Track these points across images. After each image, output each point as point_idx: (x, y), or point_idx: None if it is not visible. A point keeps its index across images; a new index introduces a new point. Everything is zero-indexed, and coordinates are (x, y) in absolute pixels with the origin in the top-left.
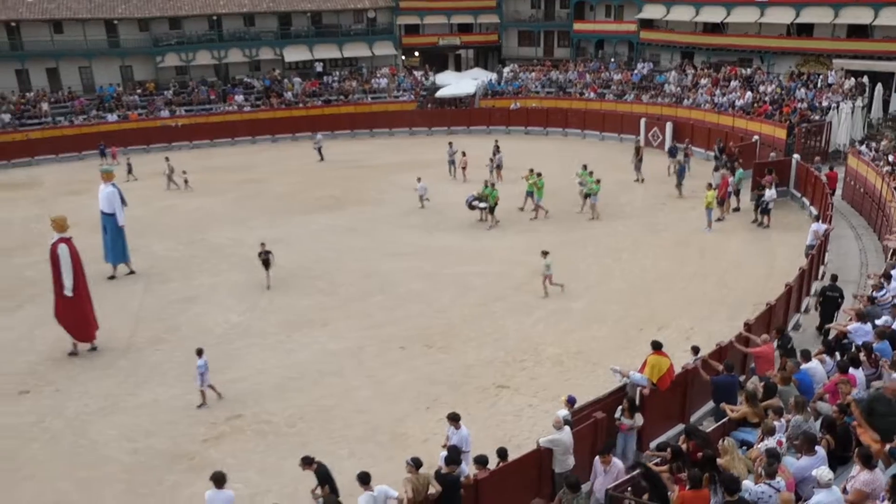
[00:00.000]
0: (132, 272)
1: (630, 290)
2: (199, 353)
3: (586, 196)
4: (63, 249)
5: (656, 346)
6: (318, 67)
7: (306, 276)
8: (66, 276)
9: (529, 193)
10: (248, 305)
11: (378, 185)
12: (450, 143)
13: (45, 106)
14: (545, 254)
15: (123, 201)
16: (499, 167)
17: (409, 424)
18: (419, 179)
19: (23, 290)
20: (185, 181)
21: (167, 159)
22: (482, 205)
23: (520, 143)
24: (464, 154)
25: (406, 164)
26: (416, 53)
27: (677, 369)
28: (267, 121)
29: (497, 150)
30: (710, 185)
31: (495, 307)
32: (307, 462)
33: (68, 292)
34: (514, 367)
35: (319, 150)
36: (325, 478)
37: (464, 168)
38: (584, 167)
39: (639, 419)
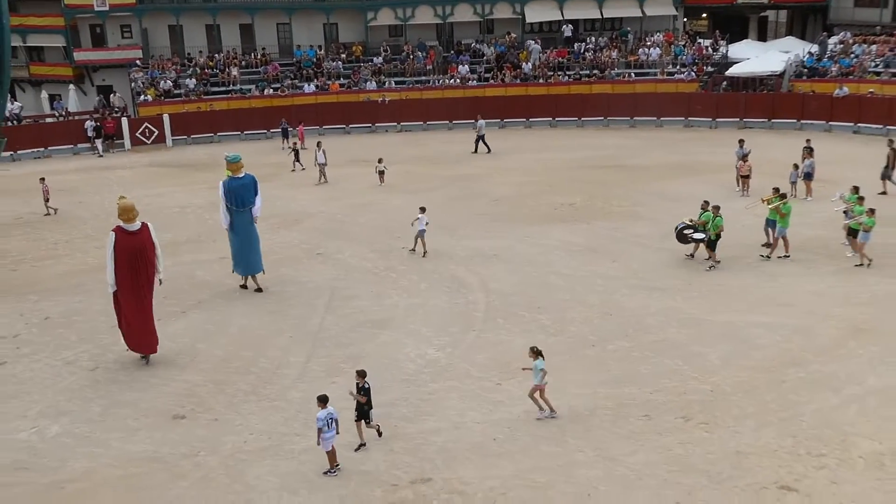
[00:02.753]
0: (244, 286)
1: None
2: (323, 401)
3: (852, 232)
4: (110, 238)
5: None
6: (568, 31)
7: (526, 307)
8: (108, 268)
9: (770, 223)
10: (449, 338)
11: (635, 193)
12: (740, 142)
13: (234, 71)
14: (536, 354)
15: (248, 199)
16: (807, 177)
17: None
18: (422, 210)
19: (190, 294)
20: (381, 173)
21: (318, 145)
22: (697, 235)
23: (844, 145)
24: (745, 157)
25: (678, 166)
26: (704, 15)
27: None
28: (496, 99)
29: (808, 152)
30: None
31: (787, 375)
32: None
33: (112, 287)
34: (808, 462)
35: (482, 140)
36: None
37: (745, 177)
38: (855, 189)
39: None
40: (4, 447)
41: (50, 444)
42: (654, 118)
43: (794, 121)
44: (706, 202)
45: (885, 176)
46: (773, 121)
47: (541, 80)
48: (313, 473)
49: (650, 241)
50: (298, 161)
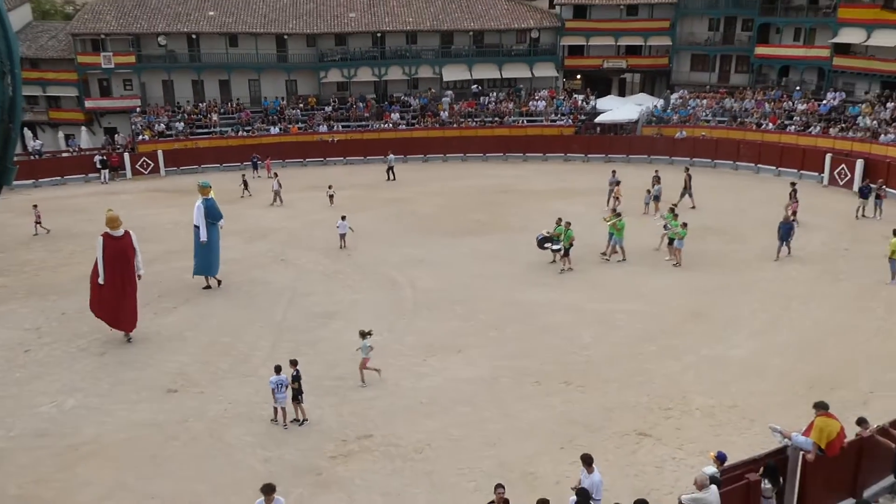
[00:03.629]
0: (208, 286)
1: (799, 343)
2: (277, 370)
3: (671, 241)
4: (98, 241)
5: (822, 407)
6: (475, 88)
7: (447, 300)
8: (99, 266)
9: (610, 235)
10: (386, 325)
11: (527, 211)
12: (613, 172)
13: (214, 117)
14: (365, 334)
15: (218, 215)
16: (656, 199)
17: (539, 463)
18: (343, 218)
19: (180, 293)
20: (331, 197)
21: (275, 175)
22: (555, 247)
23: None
24: (618, 183)
25: (560, 191)
26: (578, 77)
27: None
28: (420, 140)
29: (657, 180)
30: (895, 232)
31: (642, 349)
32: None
33: (101, 280)
34: (659, 414)
35: (391, 170)
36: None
37: (617, 198)
38: (672, 210)
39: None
40: (29, 418)
41: (67, 414)
42: (541, 154)
43: (646, 156)
44: (559, 219)
45: (684, 195)
46: (630, 156)
47: (454, 125)
48: (280, 433)
49: (538, 249)
50: (247, 189)
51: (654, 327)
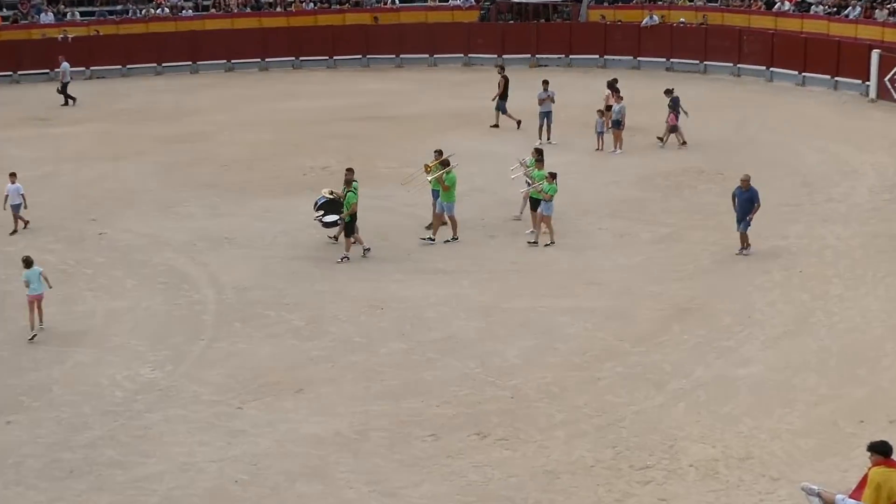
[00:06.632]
0: None
1: (842, 352)
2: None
3: (534, 204)
4: None
5: (881, 452)
6: None
7: (272, 304)
8: None
9: (435, 194)
10: (170, 352)
11: (406, 151)
12: (544, 83)
13: None
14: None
15: None
16: (615, 125)
17: None
18: (13, 177)
19: None
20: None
21: None
22: (330, 218)
23: (657, 84)
24: (550, 100)
25: (457, 116)
26: None
27: None
28: (220, 34)
29: (614, 94)
30: None
31: (601, 371)
32: None
33: None
34: (631, 478)
35: (64, 88)
36: None
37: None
38: (538, 152)
39: None
40: None
41: None
42: (427, 55)
43: (597, 56)
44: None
45: (500, 108)
46: (571, 57)
47: (279, 9)
48: None
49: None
50: None
51: (619, 334)
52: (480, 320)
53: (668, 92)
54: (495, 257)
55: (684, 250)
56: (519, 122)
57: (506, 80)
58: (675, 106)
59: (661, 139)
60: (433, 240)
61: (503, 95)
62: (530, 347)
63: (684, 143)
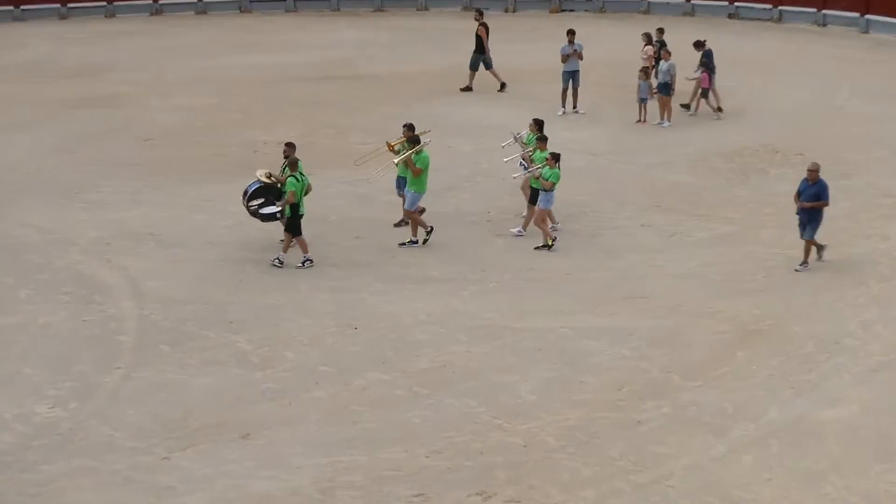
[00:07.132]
0: None
1: None
2: None
3: (533, 193)
4: None
5: None
6: None
7: (212, 321)
8: None
9: (400, 182)
10: (76, 383)
11: (385, 119)
12: (570, 33)
13: None
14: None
15: None
16: (662, 89)
17: None
18: None
19: None
20: None
21: None
22: (269, 209)
23: (718, 38)
24: (577, 55)
25: (449, 75)
26: None
27: None
28: None
29: (658, 47)
30: None
31: (643, 413)
32: None
33: None
34: None
35: None
36: None
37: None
38: (538, 125)
39: None
40: None
41: None
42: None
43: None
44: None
45: (475, 64)
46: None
47: None
48: None
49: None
50: None
51: (666, 363)
52: (484, 344)
53: (699, 44)
54: (504, 262)
55: (752, 254)
56: (503, 85)
57: (486, 29)
58: (709, 62)
59: (686, 106)
60: (415, 241)
61: (480, 48)
62: (549, 380)
63: (720, 108)
